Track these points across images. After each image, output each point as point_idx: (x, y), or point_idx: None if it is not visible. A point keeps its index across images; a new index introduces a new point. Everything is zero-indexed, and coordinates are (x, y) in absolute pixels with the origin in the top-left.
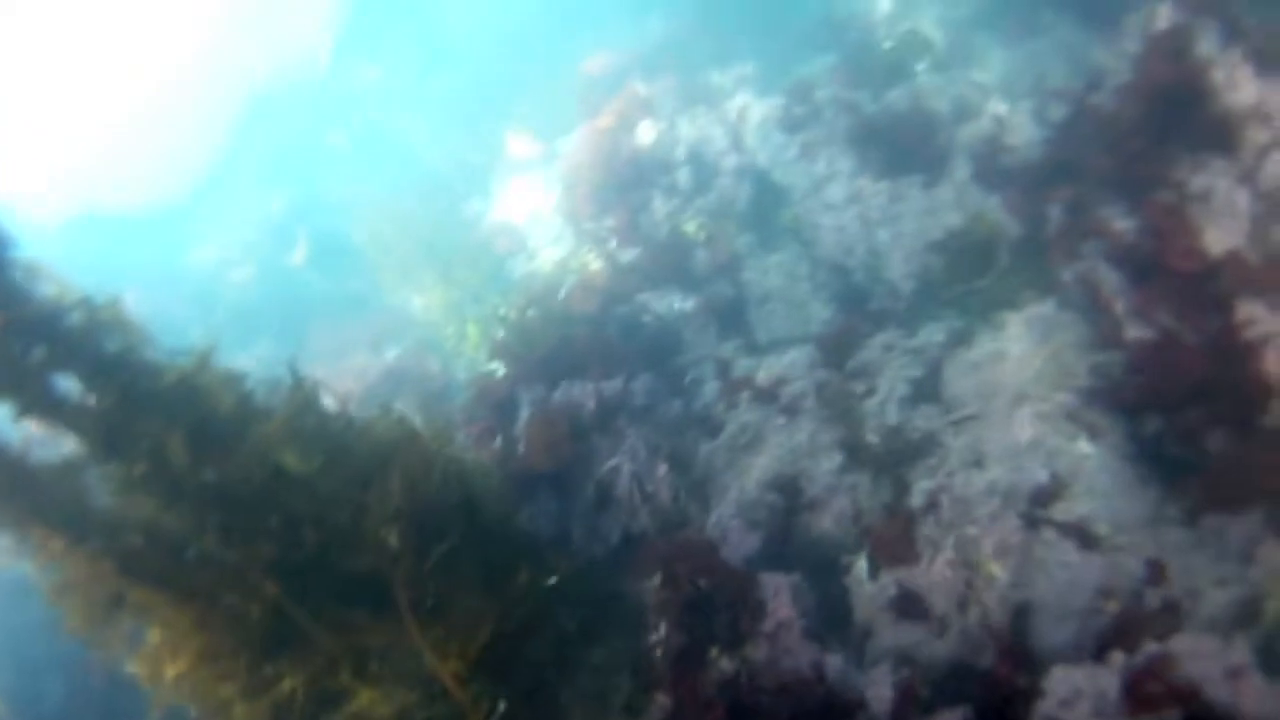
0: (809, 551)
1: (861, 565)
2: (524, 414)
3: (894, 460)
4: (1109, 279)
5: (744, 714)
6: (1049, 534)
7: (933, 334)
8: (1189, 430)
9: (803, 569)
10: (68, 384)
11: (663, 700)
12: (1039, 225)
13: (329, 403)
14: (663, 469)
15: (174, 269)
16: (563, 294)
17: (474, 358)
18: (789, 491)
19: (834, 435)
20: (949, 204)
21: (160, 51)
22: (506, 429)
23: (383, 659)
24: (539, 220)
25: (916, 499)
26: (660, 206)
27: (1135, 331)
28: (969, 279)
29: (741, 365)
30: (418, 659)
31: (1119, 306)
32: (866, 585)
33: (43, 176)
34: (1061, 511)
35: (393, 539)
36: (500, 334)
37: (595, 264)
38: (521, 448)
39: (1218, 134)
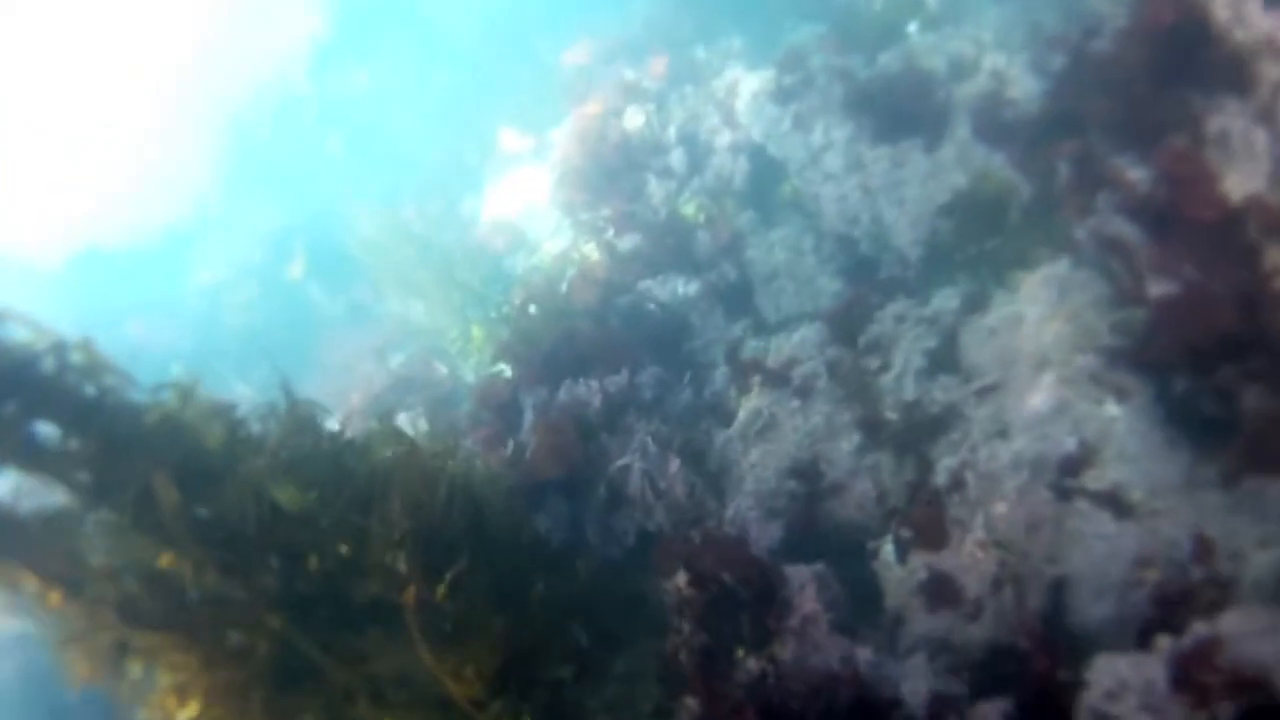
0: (833, 538)
1: (888, 549)
2: (528, 417)
3: (915, 437)
4: (1126, 232)
5: (775, 715)
6: (1081, 504)
7: (946, 301)
8: (1222, 389)
9: (828, 557)
10: (50, 431)
11: (691, 705)
12: (1048, 180)
13: (327, 422)
14: (675, 464)
15: (176, 296)
16: (563, 288)
17: (480, 359)
18: (808, 477)
19: (851, 415)
20: (952, 164)
21: (143, 81)
22: (512, 433)
23: (399, 685)
24: (536, 214)
25: (940, 477)
26: (656, 190)
27: (1157, 287)
28: (979, 240)
29: (751, 348)
30: (435, 684)
31: (1139, 261)
32: (895, 570)
33: (41, 223)
34: (1093, 480)
35: (400, 564)
36: (503, 334)
37: (594, 255)
38: (529, 454)
39: (1229, 73)
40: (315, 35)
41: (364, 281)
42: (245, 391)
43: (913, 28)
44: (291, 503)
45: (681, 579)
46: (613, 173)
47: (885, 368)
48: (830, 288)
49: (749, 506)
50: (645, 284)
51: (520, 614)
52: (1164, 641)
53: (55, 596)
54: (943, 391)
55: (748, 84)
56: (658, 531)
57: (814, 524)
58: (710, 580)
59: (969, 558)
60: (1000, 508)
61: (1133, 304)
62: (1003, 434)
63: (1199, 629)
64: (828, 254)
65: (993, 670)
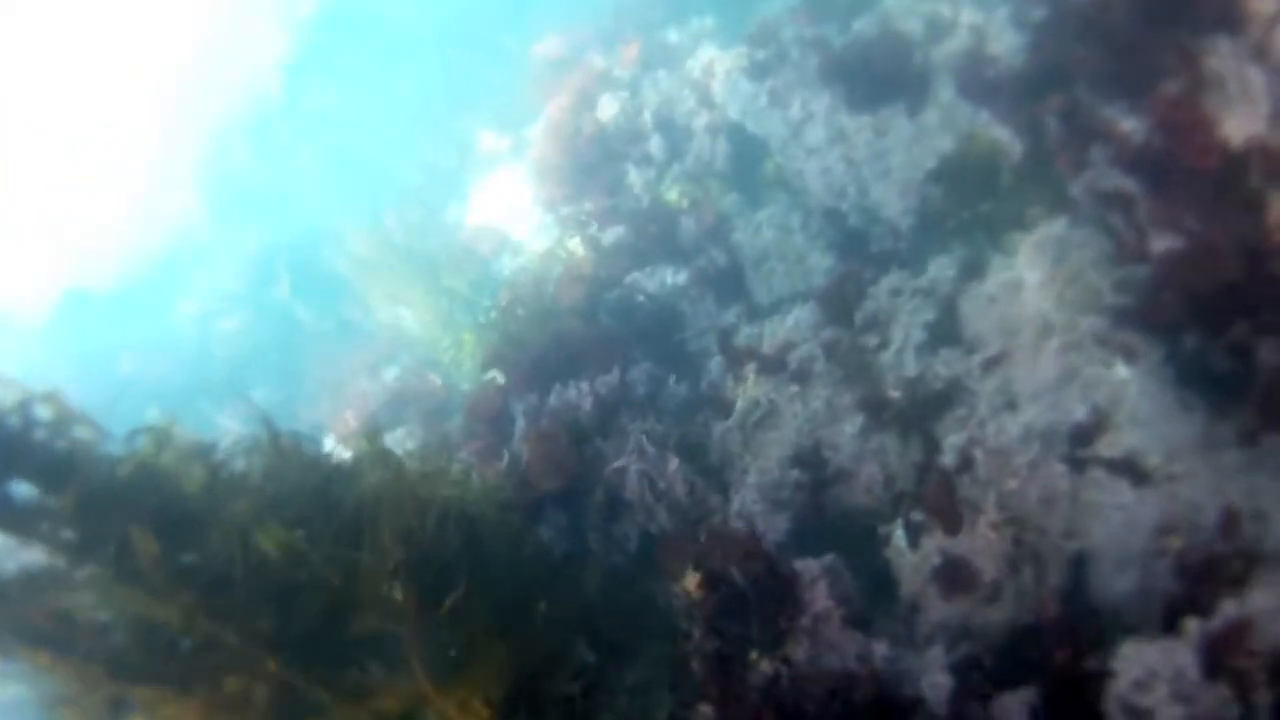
0: (843, 526)
1: (899, 535)
2: (520, 425)
3: (920, 415)
4: (1123, 186)
5: (791, 719)
6: (1097, 473)
7: (942, 269)
8: (1234, 345)
9: (838, 546)
10: (25, 489)
11: (706, 712)
12: (1039, 136)
13: (317, 446)
14: (673, 463)
15: (166, 327)
16: (550, 288)
17: (473, 366)
18: (812, 465)
19: (852, 397)
20: (937, 128)
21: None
22: (506, 443)
23: (405, 717)
24: (519, 214)
25: (948, 457)
26: (636, 179)
27: (1160, 242)
28: (972, 204)
29: (745, 334)
30: (443, 716)
31: (1138, 215)
32: (908, 556)
33: (27, 271)
34: (1107, 447)
35: (395, 595)
36: (494, 339)
37: (579, 251)
38: (523, 465)
39: (1218, 11)
40: (284, 55)
41: (352, 297)
42: (231, 425)
43: None
44: (277, 543)
45: (689, 581)
46: (591, 165)
47: (884, 345)
48: (822, 265)
49: (753, 500)
50: (633, 276)
51: (525, 635)
52: (1192, 625)
53: (44, 657)
54: (945, 365)
55: (722, 62)
56: (661, 533)
57: (822, 513)
58: (718, 580)
59: (983, 539)
60: (1012, 484)
61: (1135, 260)
62: (1010, 406)
63: (1228, 608)
64: (816, 230)
65: (1016, 654)
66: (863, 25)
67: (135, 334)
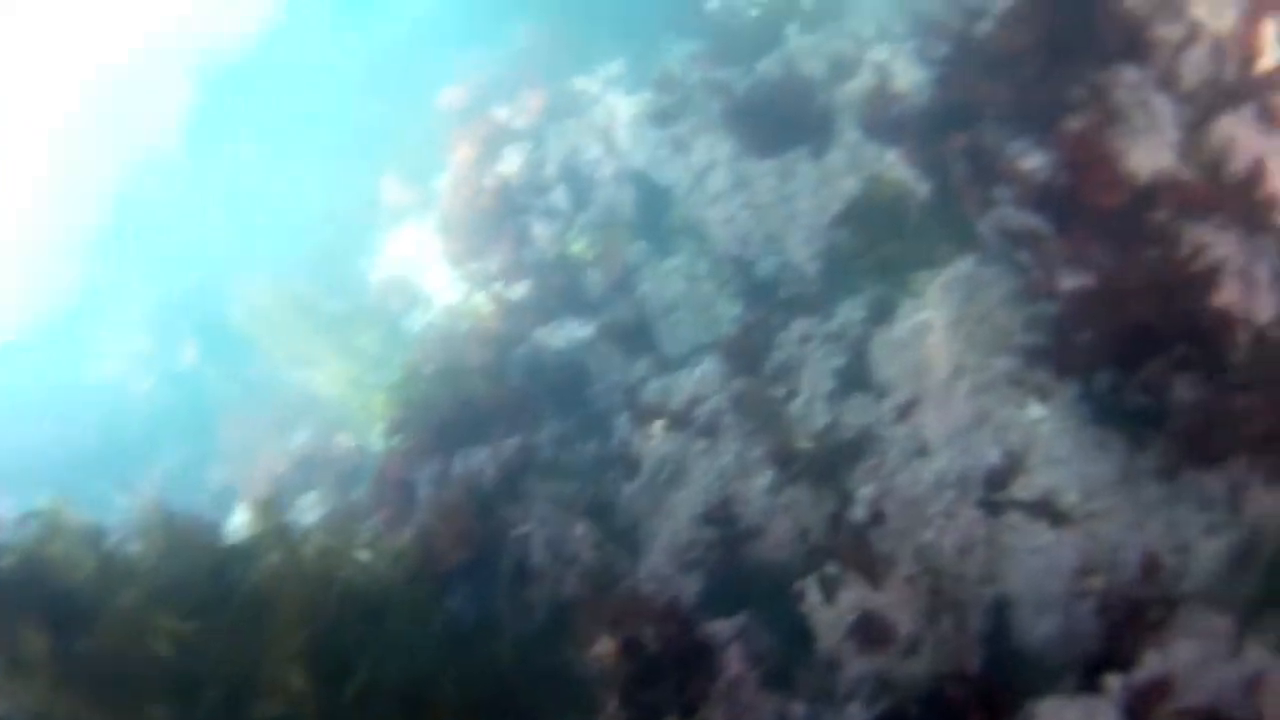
0: (758, 582)
1: (815, 590)
2: (425, 493)
3: (831, 465)
4: (1030, 224)
5: None
6: (1013, 517)
7: (851, 313)
8: (1149, 382)
9: (754, 604)
10: None
11: None
12: (945, 175)
13: (210, 529)
14: (580, 528)
15: (69, 393)
16: (459, 345)
17: (386, 428)
18: (723, 522)
19: (762, 449)
20: (843, 170)
21: (14, 174)
22: (413, 510)
23: None
24: (430, 267)
25: (860, 510)
26: (541, 232)
27: (1069, 280)
28: (879, 246)
29: (653, 387)
30: None
31: (1047, 253)
32: (824, 611)
33: None
34: (1022, 489)
35: (297, 680)
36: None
37: (487, 307)
38: (429, 537)
39: (1124, 41)
40: (189, 106)
41: (262, 356)
42: (139, 491)
43: (792, 30)
44: (170, 634)
45: (603, 647)
46: (495, 220)
47: (793, 394)
48: (730, 313)
49: (664, 562)
50: (540, 332)
51: (433, 713)
52: (1114, 681)
53: None
54: (856, 413)
55: (627, 109)
56: (572, 601)
57: (736, 570)
58: (632, 646)
59: (898, 592)
60: (927, 534)
61: (1045, 298)
62: (923, 452)
63: (1151, 661)
64: (724, 278)
65: (939, 702)
66: (767, 66)
67: (37, 398)
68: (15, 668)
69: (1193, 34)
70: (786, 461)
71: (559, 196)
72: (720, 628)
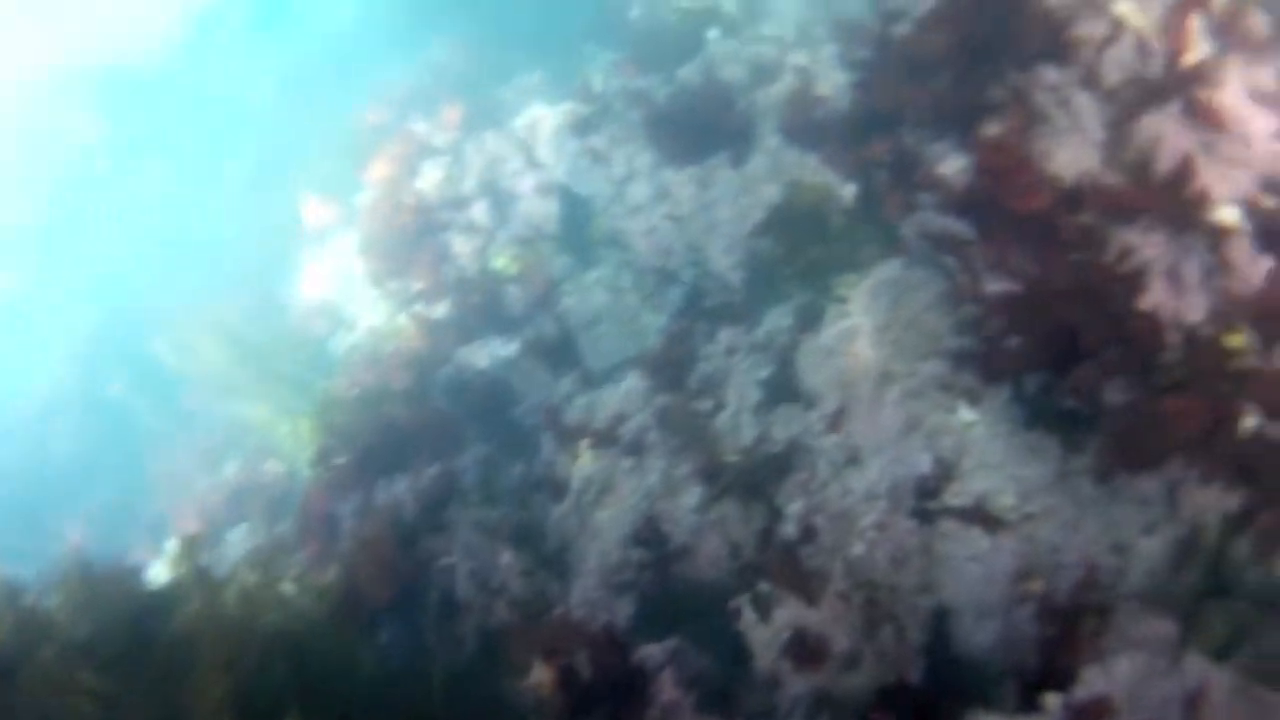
0: (691, 601)
1: (749, 608)
2: (348, 526)
3: (760, 480)
4: (953, 228)
5: None
6: (948, 524)
7: (777, 321)
8: (1080, 387)
9: (688, 625)
10: None
11: None
12: (869, 178)
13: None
14: (506, 555)
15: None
16: (380, 370)
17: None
18: (653, 542)
19: (689, 466)
20: (764, 176)
21: None
22: (337, 543)
23: None
24: (353, 287)
25: (790, 526)
26: (462, 249)
27: (995, 284)
28: (804, 252)
29: (579, 404)
30: None
31: (972, 257)
32: (760, 629)
33: None
34: (956, 495)
35: None
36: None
37: (410, 327)
38: (352, 572)
39: (1046, 40)
40: (109, 134)
41: (189, 386)
42: (70, 530)
43: (712, 34)
44: (89, 689)
45: (537, 675)
46: (415, 237)
47: (720, 407)
48: (655, 324)
49: (594, 585)
50: (463, 352)
51: None
52: (1052, 700)
53: None
54: (783, 426)
55: (548, 120)
56: (502, 629)
57: (668, 591)
58: (566, 674)
59: (832, 609)
60: (859, 548)
61: (972, 302)
62: (853, 462)
63: (1091, 678)
64: (649, 289)
65: (886, 703)
66: (687, 73)
67: None
68: None
69: (1116, 30)
70: (714, 478)
71: (479, 211)
72: (653, 652)
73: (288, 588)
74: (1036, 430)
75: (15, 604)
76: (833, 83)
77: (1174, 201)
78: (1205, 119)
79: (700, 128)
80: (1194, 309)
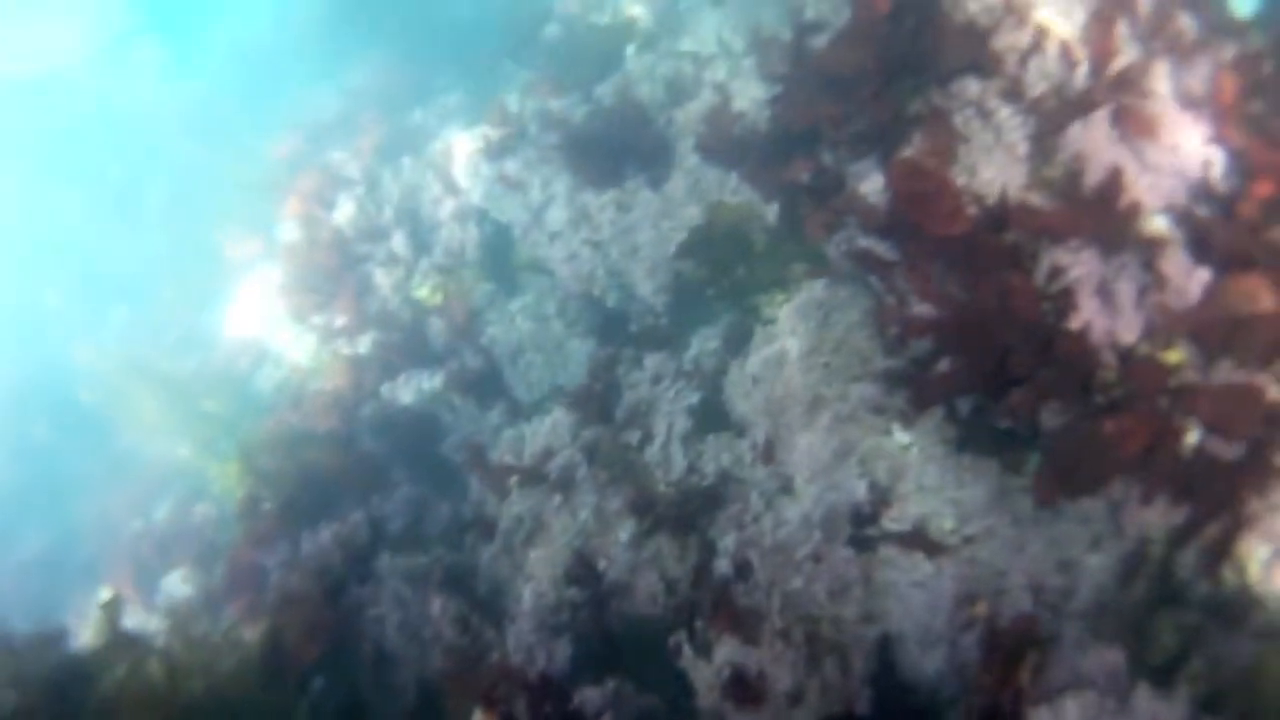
0: (631, 641)
1: (688, 646)
2: (274, 578)
3: (692, 511)
4: (876, 248)
5: None
6: (887, 551)
7: (704, 344)
8: (1016, 411)
9: (627, 664)
10: None
11: None
12: (791, 196)
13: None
14: (437, 603)
15: None
16: (305, 409)
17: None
18: (587, 580)
19: (620, 501)
20: (685, 197)
21: None
22: (265, 598)
23: None
24: (276, 323)
25: (723, 562)
26: (383, 280)
27: (921, 308)
28: (728, 273)
29: (507, 437)
30: None
31: (897, 278)
32: (701, 667)
33: None
34: (894, 520)
35: None
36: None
37: (334, 364)
38: (281, 627)
39: (967, 52)
40: (22, 167)
41: (115, 430)
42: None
43: (630, 50)
44: None
45: None
46: (335, 272)
47: (649, 439)
48: (582, 351)
49: (530, 629)
50: (387, 387)
51: None
52: None
53: None
54: (713, 456)
55: (463, 143)
56: (439, 677)
57: (605, 630)
58: None
59: (770, 648)
60: (796, 582)
61: (900, 323)
62: (786, 490)
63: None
64: (573, 316)
65: None
66: (603, 92)
67: None
68: None
69: (1039, 40)
70: (646, 511)
71: (399, 242)
72: (591, 695)
73: (215, 646)
74: (973, 451)
75: None
76: (751, 97)
77: (1104, 217)
78: (1134, 128)
79: (618, 149)
80: (1129, 327)
